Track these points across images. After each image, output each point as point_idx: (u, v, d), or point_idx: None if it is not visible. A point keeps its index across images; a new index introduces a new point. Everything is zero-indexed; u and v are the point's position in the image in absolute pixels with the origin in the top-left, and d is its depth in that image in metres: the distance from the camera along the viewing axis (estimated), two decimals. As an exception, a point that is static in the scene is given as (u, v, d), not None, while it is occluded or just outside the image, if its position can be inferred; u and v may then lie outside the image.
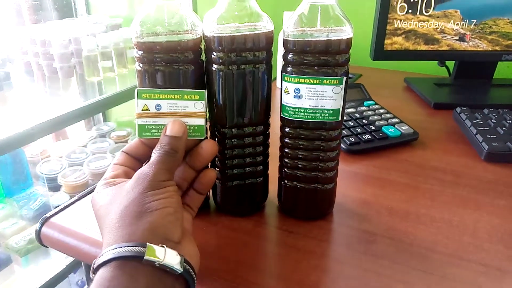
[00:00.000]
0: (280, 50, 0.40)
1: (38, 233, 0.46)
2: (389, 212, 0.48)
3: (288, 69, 0.39)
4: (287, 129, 0.42)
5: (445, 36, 0.77)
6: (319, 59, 0.38)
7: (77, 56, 1.09)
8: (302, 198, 0.44)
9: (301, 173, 0.43)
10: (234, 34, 0.37)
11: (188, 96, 0.38)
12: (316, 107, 0.39)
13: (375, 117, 0.68)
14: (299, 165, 0.43)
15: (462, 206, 0.49)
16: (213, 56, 0.39)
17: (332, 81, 0.38)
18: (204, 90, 0.39)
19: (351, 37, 0.38)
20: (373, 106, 0.71)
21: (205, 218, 0.46)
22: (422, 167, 0.58)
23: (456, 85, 0.88)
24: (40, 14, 1.31)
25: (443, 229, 0.45)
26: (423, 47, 0.78)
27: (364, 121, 0.66)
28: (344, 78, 0.39)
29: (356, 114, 0.68)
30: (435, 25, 0.76)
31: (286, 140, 0.42)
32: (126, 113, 1.58)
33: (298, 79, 0.39)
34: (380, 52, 0.78)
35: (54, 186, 1.19)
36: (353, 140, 0.61)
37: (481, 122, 0.65)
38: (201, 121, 0.38)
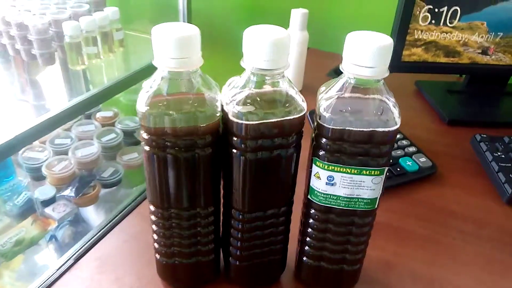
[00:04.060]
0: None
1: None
2: (412, 279, 0.45)
3: (321, 153, 0.34)
4: (312, 211, 0.37)
5: (467, 49, 0.71)
6: (360, 149, 0.33)
7: (59, 40, 0.98)
8: (325, 276, 0.41)
9: (326, 254, 0.39)
10: (262, 121, 0.31)
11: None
12: (351, 196, 0.35)
13: (391, 144, 0.63)
14: (325, 246, 0.39)
15: (487, 269, 0.46)
16: (234, 139, 0.33)
17: (373, 172, 0.33)
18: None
19: (398, 127, 0.32)
20: (388, 130, 0.66)
21: (217, 291, 0.42)
22: (441, 212, 0.55)
23: (469, 94, 0.83)
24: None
25: (472, 308, 0.42)
26: (443, 59, 0.72)
27: (379, 150, 0.62)
28: (386, 168, 0.34)
29: (370, 141, 0.63)
30: (458, 37, 0.70)
31: (311, 221, 0.38)
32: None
33: (333, 167, 0.34)
34: (397, 64, 0.72)
35: (38, 176, 1.13)
36: (370, 178, 0.57)
37: (503, 156, 0.61)
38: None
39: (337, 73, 0.87)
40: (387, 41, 0.30)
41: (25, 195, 1.06)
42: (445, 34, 0.70)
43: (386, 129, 0.32)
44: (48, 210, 1.05)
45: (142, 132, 0.33)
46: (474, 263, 0.47)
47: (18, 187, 1.09)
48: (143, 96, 0.31)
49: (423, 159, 0.61)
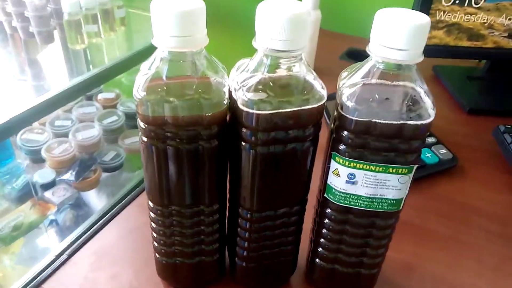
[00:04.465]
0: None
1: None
2: (433, 282, 0.41)
3: (341, 148, 0.30)
4: (328, 211, 0.33)
5: (493, 32, 0.66)
6: (387, 143, 0.29)
7: (57, 17, 0.94)
8: (339, 280, 0.37)
9: (341, 257, 0.35)
10: (275, 111, 0.27)
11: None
12: (374, 196, 0.31)
13: (409, 134, 0.59)
14: (341, 249, 0.35)
15: (515, 274, 0.43)
16: (243, 131, 0.29)
17: (400, 170, 0.29)
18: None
19: (432, 120, 0.28)
20: (406, 118, 0.62)
21: (222, 293, 0.39)
22: (463, 208, 0.51)
23: (490, 80, 0.78)
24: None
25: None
26: (465, 43, 0.67)
27: (396, 140, 0.58)
28: (415, 166, 0.30)
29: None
30: (484, 19, 0.65)
31: (326, 221, 0.34)
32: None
33: (355, 164, 0.30)
34: (415, 47, 0.67)
35: (37, 158, 1.09)
36: (386, 170, 0.53)
37: (530, 149, 0.57)
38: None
39: (350, 56, 0.82)
40: (423, 20, 0.26)
41: (24, 178, 1.03)
42: (469, 15, 0.65)
43: (419, 122, 0.27)
44: (47, 194, 1.02)
45: (139, 121, 0.29)
46: (501, 267, 0.44)
47: (17, 169, 1.06)
48: (140, 80, 0.27)
49: (443, 151, 0.57)
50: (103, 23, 0.97)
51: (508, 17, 0.65)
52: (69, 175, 1.05)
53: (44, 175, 1.04)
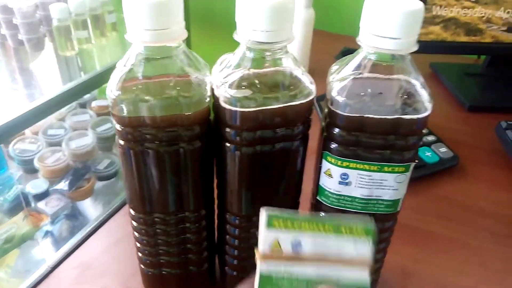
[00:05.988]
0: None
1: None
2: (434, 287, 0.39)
3: (333, 147, 0.28)
4: (323, 215, 0.31)
5: (491, 26, 0.64)
6: (382, 140, 0.27)
7: (47, 24, 0.92)
8: None
9: (338, 264, 0.33)
10: (260, 108, 0.25)
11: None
12: (369, 197, 0.29)
13: (407, 133, 0.57)
14: (337, 255, 0.33)
15: (523, 277, 0.41)
16: (227, 131, 0.27)
17: (396, 168, 0.27)
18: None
19: (429, 114, 0.26)
20: (403, 117, 0.60)
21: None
22: (466, 209, 0.49)
23: (489, 76, 0.76)
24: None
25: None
26: (463, 38, 0.66)
27: (394, 140, 0.56)
28: (412, 164, 0.28)
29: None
30: (481, 13, 0.63)
31: (322, 225, 0.32)
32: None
33: (347, 163, 0.28)
34: (411, 44, 0.65)
35: (30, 168, 1.07)
36: (385, 171, 0.51)
37: (533, 145, 0.55)
38: (364, 274, 0.24)
39: (345, 56, 0.79)
40: (416, 5, 0.24)
41: (17, 189, 1.01)
42: (466, 9, 0.63)
43: (415, 117, 0.25)
44: (40, 205, 1.00)
45: (114, 122, 0.27)
46: (509, 271, 0.41)
47: (10, 180, 1.04)
48: (114, 78, 0.26)
49: (443, 150, 0.55)
50: (94, 28, 0.95)
51: (507, 10, 0.63)
52: (63, 185, 1.03)
53: (37, 185, 1.02)
